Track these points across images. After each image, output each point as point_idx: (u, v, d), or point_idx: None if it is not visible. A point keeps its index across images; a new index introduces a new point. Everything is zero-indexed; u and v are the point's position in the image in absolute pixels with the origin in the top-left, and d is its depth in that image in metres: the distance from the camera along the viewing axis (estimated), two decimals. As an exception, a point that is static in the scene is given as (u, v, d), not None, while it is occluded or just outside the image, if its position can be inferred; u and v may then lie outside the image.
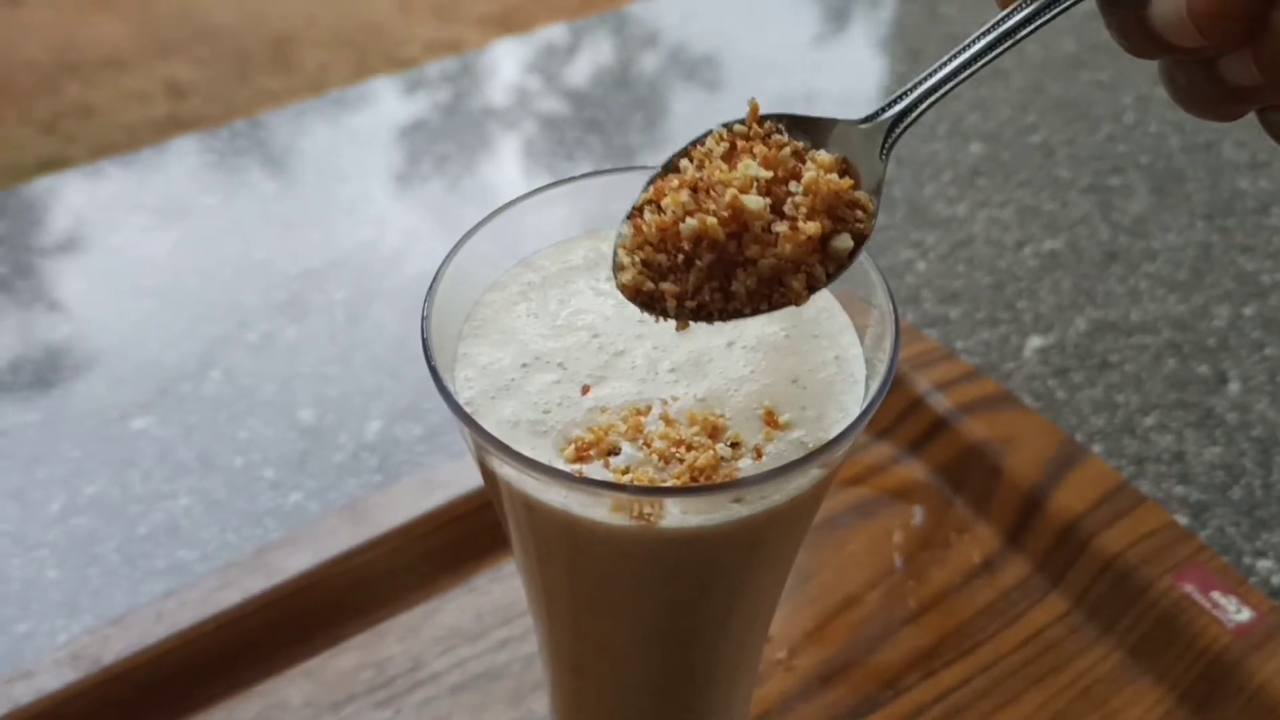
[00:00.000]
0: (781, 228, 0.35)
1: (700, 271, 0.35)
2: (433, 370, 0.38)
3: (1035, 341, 0.86)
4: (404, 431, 0.78)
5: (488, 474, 0.40)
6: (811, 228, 0.35)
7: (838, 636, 0.66)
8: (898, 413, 0.76)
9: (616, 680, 0.48)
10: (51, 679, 0.59)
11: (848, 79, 1.19)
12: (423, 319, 0.40)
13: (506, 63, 1.24)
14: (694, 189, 0.35)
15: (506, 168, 1.07)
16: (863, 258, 0.41)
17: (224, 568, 0.65)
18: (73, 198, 1.01)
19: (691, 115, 1.13)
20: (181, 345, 0.85)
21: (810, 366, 0.41)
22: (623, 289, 0.36)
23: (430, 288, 0.41)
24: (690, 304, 0.36)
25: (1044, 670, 0.65)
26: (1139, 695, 0.63)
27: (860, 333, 0.43)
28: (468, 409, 0.39)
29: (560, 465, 0.37)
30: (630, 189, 0.38)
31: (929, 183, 1.02)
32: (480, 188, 1.03)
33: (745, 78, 1.18)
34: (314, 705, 0.62)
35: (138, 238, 0.97)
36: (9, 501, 0.73)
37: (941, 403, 0.75)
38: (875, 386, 0.39)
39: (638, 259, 0.36)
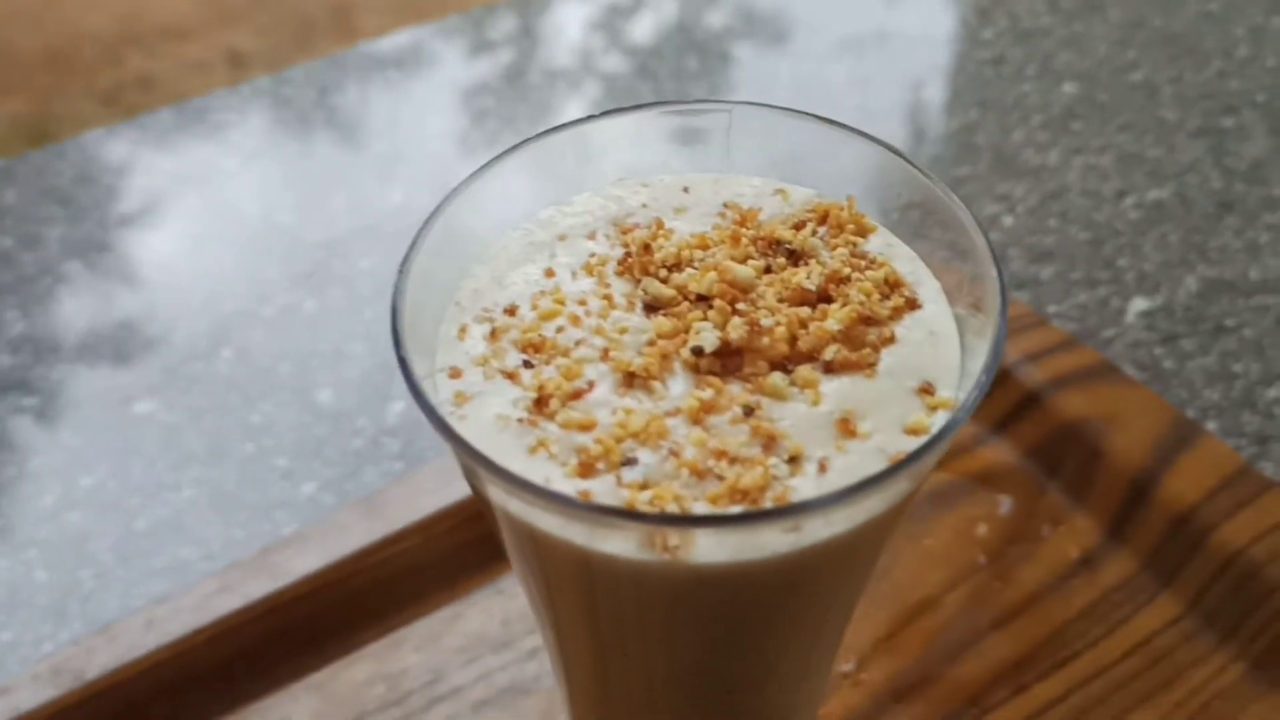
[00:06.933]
0: None
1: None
2: (402, 362, 0.30)
3: (1139, 304, 0.79)
4: (429, 413, 0.72)
5: (477, 492, 0.32)
6: None
7: (913, 645, 0.61)
8: (981, 388, 0.69)
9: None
10: (29, 696, 0.55)
11: (924, 18, 1.09)
12: (394, 293, 0.32)
13: (570, 22, 1.16)
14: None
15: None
16: (959, 210, 0.34)
17: (223, 570, 0.60)
18: (78, 163, 0.95)
19: (755, 69, 1.05)
20: (192, 321, 0.79)
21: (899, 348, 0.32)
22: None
23: (405, 259, 0.33)
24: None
25: (1154, 684, 0.59)
26: (1266, 713, 0.57)
27: (951, 299, 0.34)
28: (451, 405, 0.32)
29: (561, 483, 0.29)
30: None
31: (1017, 128, 0.95)
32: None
33: (814, 23, 1.08)
34: (321, 724, 0.57)
35: (149, 204, 0.91)
36: None
37: (1033, 375, 0.69)
38: (981, 364, 0.30)
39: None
